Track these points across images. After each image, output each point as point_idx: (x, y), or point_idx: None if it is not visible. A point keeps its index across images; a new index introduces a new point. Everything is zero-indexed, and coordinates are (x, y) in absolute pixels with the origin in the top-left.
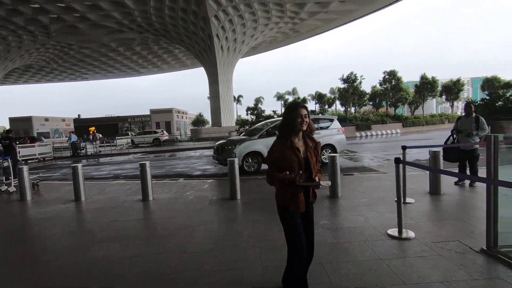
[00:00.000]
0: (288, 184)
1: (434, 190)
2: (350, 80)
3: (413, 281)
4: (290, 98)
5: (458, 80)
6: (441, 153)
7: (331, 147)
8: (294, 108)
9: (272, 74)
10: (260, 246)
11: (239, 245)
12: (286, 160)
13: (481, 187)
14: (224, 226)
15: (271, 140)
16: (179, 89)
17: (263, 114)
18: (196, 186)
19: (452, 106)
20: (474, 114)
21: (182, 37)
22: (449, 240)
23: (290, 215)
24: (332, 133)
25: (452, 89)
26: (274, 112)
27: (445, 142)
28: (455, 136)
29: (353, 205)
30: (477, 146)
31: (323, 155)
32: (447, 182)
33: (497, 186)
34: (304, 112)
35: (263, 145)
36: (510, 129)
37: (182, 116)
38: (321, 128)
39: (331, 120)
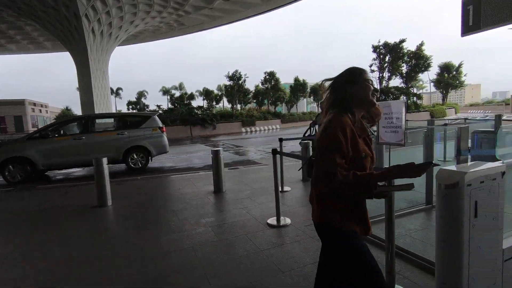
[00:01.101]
0: (362, 192)
1: (306, 176)
2: (235, 78)
3: (289, 267)
4: (177, 93)
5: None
6: (311, 144)
7: (144, 150)
8: (362, 73)
9: (160, 67)
10: (140, 257)
11: (113, 258)
12: (359, 153)
13: None
14: (92, 241)
15: (44, 143)
16: (40, 77)
17: (146, 109)
18: (55, 193)
19: (318, 105)
20: None
21: (36, 12)
22: None
23: (358, 242)
24: (145, 133)
25: (318, 91)
26: (159, 106)
27: (304, 134)
28: (312, 129)
29: (237, 198)
30: None
31: (132, 159)
32: None
33: None
34: None
35: (33, 149)
36: None
37: (41, 110)
38: (128, 126)
39: (146, 117)
